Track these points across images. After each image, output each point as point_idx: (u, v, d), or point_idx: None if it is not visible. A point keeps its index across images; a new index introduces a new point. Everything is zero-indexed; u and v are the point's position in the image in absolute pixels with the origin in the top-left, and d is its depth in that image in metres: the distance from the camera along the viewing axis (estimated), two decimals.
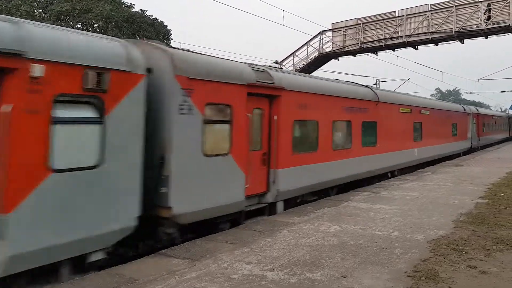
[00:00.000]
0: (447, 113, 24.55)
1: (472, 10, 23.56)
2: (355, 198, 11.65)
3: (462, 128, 27.22)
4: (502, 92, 46.70)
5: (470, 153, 28.85)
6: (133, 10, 33.51)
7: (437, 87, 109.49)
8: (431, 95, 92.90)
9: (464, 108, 29.13)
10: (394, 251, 6.63)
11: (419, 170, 19.26)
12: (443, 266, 5.84)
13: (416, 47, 26.68)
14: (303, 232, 7.87)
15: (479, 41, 25.78)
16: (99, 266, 6.10)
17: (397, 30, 25.94)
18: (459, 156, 26.24)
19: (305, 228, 8.19)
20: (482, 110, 37.05)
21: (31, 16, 27.24)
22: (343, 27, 28.15)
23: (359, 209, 10.10)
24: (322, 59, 29.20)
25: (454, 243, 7.00)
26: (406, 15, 25.70)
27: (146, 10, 33.67)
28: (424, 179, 15.68)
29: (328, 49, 28.73)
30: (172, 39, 34.90)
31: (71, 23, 30.03)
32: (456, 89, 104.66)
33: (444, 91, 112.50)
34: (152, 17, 33.69)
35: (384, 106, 15.38)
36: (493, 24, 22.84)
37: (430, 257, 6.26)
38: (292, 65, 29.03)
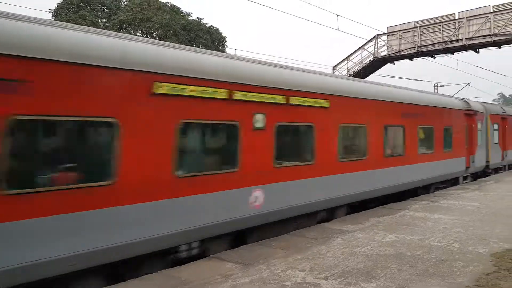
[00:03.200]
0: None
1: None
2: (412, 207, 11.30)
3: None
4: None
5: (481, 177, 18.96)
6: (190, 18, 34.55)
7: (499, 92, 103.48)
8: (493, 100, 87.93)
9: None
10: (455, 263, 6.37)
11: (481, 179, 18.32)
12: (508, 282, 5.54)
13: (477, 50, 25.52)
14: (357, 241, 7.76)
15: None
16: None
17: (457, 33, 24.95)
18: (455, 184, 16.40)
19: (359, 237, 8.07)
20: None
21: (95, 25, 28.92)
22: (399, 30, 27.49)
23: (416, 218, 9.80)
24: (377, 63, 28.65)
25: None
26: (467, 17, 24.67)
27: (202, 18, 34.64)
28: (486, 188, 14.91)
29: (384, 53, 28.15)
30: (227, 45, 35.59)
31: (132, 31, 31.50)
32: None
33: (508, 96, 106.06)
34: (208, 25, 34.54)
35: None
36: None
37: (494, 271, 5.95)
38: (346, 70, 28.69)
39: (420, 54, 27.01)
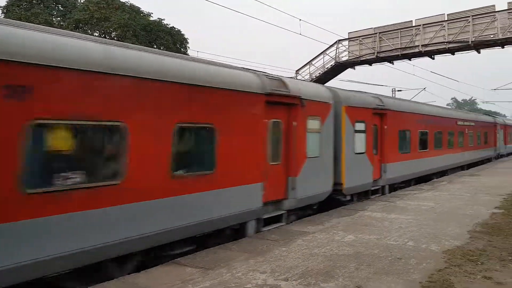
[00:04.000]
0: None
1: (488, 20, 23.46)
2: (370, 207, 11.63)
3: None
4: None
5: None
6: (151, 18, 34.01)
7: (453, 97, 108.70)
8: (447, 105, 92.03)
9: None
10: (409, 261, 6.63)
11: (435, 179, 19.03)
12: (458, 277, 5.83)
13: (433, 56, 26.61)
14: (317, 242, 7.91)
15: (496, 50, 25.63)
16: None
17: (414, 39, 25.92)
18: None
19: (319, 238, 8.22)
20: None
21: (49, 24, 27.91)
22: (360, 36, 28.24)
23: (374, 218, 10.10)
24: (338, 68, 29.27)
25: (470, 253, 6.97)
26: (423, 24, 25.68)
27: (163, 19, 34.16)
28: (440, 189, 15.55)
29: (345, 58, 28.81)
30: (189, 47, 35.28)
31: (89, 31, 30.66)
32: (472, 98, 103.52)
33: (460, 101, 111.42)
34: (170, 26, 34.11)
35: None
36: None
37: (445, 268, 6.24)
38: (309, 74, 29.16)
39: (379, 59, 27.84)
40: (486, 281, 5.70)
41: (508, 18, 22.82)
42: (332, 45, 28.88)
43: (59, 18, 32.48)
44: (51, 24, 28.37)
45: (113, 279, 6.04)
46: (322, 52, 29.15)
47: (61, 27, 29.55)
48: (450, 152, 21.92)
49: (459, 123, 23.93)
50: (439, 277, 5.80)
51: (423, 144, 18.36)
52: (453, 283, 5.59)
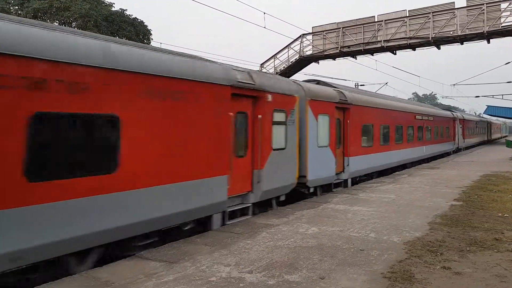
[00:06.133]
0: None
1: (448, 17, 24.20)
2: (333, 200, 11.76)
3: None
4: (476, 97, 47.60)
5: None
6: (113, 9, 33.11)
7: (414, 91, 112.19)
8: (408, 99, 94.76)
9: None
10: (371, 252, 6.71)
11: (396, 172, 19.53)
12: (418, 267, 5.95)
13: (394, 51, 27.22)
14: (282, 234, 7.90)
15: (455, 47, 26.50)
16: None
17: (376, 35, 26.43)
18: None
19: (284, 230, 8.22)
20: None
21: (6, 13, 26.58)
22: (324, 31, 28.51)
23: (337, 211, 10.21)
24: (303, 62, 29.47)
25: (429, 244, 7.14)
26: (385, 20, 26.21)
27: (126, 10, 33.34)
28: (401, 181, 15.95)
29: (309, 53, 29.03)
30: (152, 39, 34.60)
31: (48, 20, 29.47)
32: (433, 93, 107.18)
33: (421, 95, 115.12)
34: (132, 17, 33.33)
35: None
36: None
37: (406, 258, 6.36)
38: (273, 68, 29.19)
39: (342, 54, 28.22)
40: (445, 271, 5.84)
41: (467, 15, 23.62)
42: (296, 39, 29.04)
43: (16, 7, 31.08)
44: (8, 13, 27.05)
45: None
46: (286, 46, 29.27)
47: (19, 15, 28.22)
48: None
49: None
50: (400, 268, 5.91)
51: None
52: (413, 273, 5.70)
